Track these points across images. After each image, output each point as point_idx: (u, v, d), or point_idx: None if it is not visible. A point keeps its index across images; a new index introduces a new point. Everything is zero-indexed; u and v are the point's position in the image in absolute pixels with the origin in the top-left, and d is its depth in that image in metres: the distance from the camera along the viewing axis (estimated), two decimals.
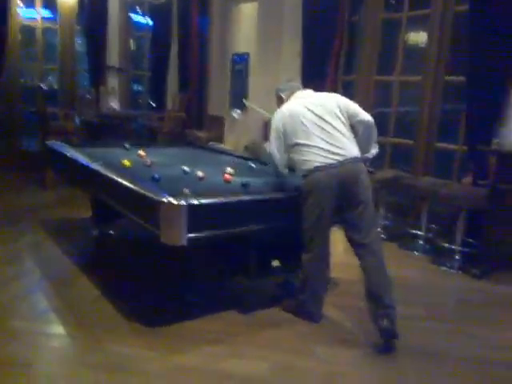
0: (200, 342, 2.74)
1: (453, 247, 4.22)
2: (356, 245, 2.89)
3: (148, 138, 7.29)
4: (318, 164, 2.79)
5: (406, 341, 2.48)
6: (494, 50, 4.12)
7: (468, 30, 4.40)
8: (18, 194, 5.90)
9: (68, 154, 3.96)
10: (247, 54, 6.74)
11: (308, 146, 2.85)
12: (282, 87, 3.22)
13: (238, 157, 4.54)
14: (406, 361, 2.59)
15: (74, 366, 2.48)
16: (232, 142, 6.77)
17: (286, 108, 3.02)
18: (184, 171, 3.44)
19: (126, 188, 2.88)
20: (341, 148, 2.84)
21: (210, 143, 6.12)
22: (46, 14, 7.38)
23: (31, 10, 7.21)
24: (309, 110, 2.91)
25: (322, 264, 3.03)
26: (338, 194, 2.82)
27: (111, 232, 4.33)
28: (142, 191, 2.71)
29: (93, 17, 7.27)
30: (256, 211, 2.79)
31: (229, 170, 3.43)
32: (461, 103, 4.55)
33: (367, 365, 2.57)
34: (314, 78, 5.88)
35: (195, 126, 7.64)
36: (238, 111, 6.70)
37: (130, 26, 7.95)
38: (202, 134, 7.06)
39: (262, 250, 3.02)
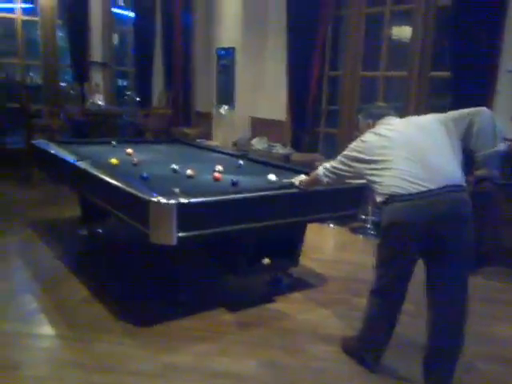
0: (190, 340, 2.75)
1: None
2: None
3: (134, 134, 7.24)
4: (399, 190, 2.17)
5: (395, 337, 2.50)
6: (478, 44, 4.17)
7: (451, 24, 4.44)
8: (3, 193, 5.81)
9: (54, 153, 3.92)
10: (233, 49, 6.72)
11: (387, 166, 2.24)
12: (369, 112, 2.60)
13: (226, 154, 4.53)
14: (395, 357, 2.59)
15: (64, 367, 2.46)
16: (220, 138, 6.76)
17: (369, 132, 2.46)
18: (173, 169, 3.43)
19: (115, 187, 2.86)
20: (435, 172, 2.17)
21: (198, 140, 6.10)
22: (26, 5, 7.21)
23: (10, 4, 7.05)
24: (395, 130, 2.35)
25: (389, 310, 2.44)
26: (426, 236, 2.18)
27: (100, 231, 4.31)
28: (131, 190, 2.69)
29: (74, 10, 7.16)
30: (246, 209, 2.78)
31: (218, 168, 3.42)
32: (447, 99, 4.58)
33: (356, 361, 2.59)
34: (300, 73, 5.90)
35: (182, 122, 7.61)
36: (226, 107, 6.70)
37: (113, 20, 7.85)
38: (189, 131, 7.04)
39: (253, 247, 3.03)
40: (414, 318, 2.76)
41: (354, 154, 2.43)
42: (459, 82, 4.35)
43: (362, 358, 2.55)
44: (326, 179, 2.66)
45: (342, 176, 2.57)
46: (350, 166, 2.46)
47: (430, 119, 2.39)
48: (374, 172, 2.31)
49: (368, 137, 2.42)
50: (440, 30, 4.83)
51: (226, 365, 2.53)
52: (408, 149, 2.25)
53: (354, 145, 2.47)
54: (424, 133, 2.30)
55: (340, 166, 2.52)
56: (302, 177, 2.96)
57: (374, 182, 2.31)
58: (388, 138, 2.33)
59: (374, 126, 2.49)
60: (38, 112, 6.83)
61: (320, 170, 2.70)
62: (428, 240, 2.20)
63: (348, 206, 3.31)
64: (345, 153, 2.50)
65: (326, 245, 4.82)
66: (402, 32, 5.83)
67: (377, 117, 2.52)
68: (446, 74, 4.59)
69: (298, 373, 2.50)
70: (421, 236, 2.19)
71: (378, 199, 2.29)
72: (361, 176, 2.44)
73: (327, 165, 2.65)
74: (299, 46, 5.88)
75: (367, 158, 2.35)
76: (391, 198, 2.21)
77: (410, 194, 2.15)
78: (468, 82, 4.27)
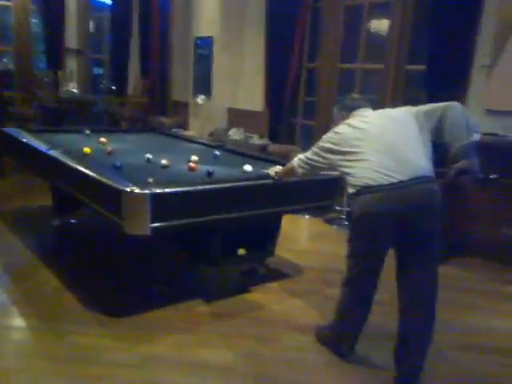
0: (165, 331, 2.73)
1: None
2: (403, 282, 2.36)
3: (109, 123, 7.12)
4: (370, 182, 2.20)
5: (369, 326, 2.53)
6: (454, 38, 4.22)
7: (429, 18, 4.48)
8: None
9: (25, 141, 3.83)
10: (211, 38, 6.66)
11: (360, 158, 2.26)
12: (343, 104, 2.61)
13: (202, 144, 4.50)
14: (369, 346, 2.62)
15: (36, 359, 2.42)
16: (197, 128, 6.71)
17: (343, 123, 2.46)
18: (147, 159, 3.39)
19: (87, 177, 2.81)
20: (406, 163, 2.20)
21: (174, 129, 6.04)
22: None
23: None
24: (369, 122, 2.37)
25: (362, 300, 2.47)
26: (396, 226, 2.21)
27: (72, 221, 4.24)
28: (104, 180, 2.65)
29: None
30: (221, 200, 2.77)
31: (193, 158, 3.40)
32: (422, 92, 4.62)
33: (330, 350, 2.61)
34: (278, 64, 5.89)
35: (158, 111, 7.53)
36: (203, 97, 6.64)
37: (89, 6, 7.69)
38: (165, 120, 6.96)
39: (228, 238, 3.02)
40: (388, 307, 2.78)
41: (328, 145, 2.44)
42: (434, 76, 4.41)
43: (336, 348, 2.58)
44: (300, 170, 2.67)
45: (316, 167, 2.59)
46: (324, 158, 2.47)
47: (402, 112, 2.42)
48: (347, 163, 2.32)
49: (342, 128, 2.43)
50: (417, 24, 4.87)
51: (202, 355, 2.53)
52: (380, 141, 2.27)
53: (328, 136, 2.48)
54: (396, 125, 2.33)
55: (314, 158, 2.53)
56: (278, 168, 2.96)
57: (347, 174, 2.32)
58: (362, 130, 2.34)
59: (348, 117, 2.50)
60: (11, 99, 6.66)
61: (295, 162, 2.70)
62: (398, 230, 2.23)
63: (323, 197, 3.33)
64: (319, 144, 2.51)
65: (301, 235, 4.85)
66: (381, 25, 5.85)
67: (351, 108, 2.53)
68: (421, 67, 4.64)
69: (273, 362, 2.51)
70: (391, 226, 2.22)
71: (351, 190, 2.31)
72: (335, 167, 2.45)
73: (302, 156, 2.66)
74: (277, 37, 5.86)
75: (341, 149, 2.36)
76: (363, 190, 2.23)
77: (381, 185, 2.18)
78: (443, 76, 4.33)
